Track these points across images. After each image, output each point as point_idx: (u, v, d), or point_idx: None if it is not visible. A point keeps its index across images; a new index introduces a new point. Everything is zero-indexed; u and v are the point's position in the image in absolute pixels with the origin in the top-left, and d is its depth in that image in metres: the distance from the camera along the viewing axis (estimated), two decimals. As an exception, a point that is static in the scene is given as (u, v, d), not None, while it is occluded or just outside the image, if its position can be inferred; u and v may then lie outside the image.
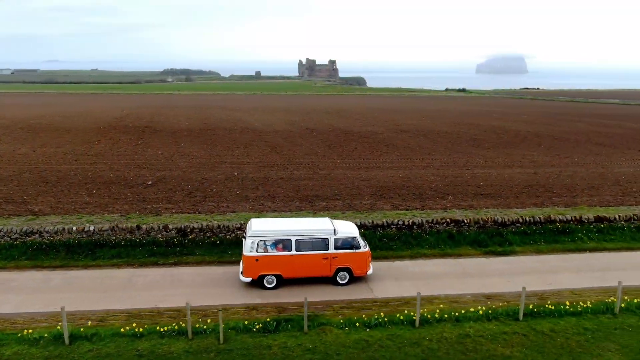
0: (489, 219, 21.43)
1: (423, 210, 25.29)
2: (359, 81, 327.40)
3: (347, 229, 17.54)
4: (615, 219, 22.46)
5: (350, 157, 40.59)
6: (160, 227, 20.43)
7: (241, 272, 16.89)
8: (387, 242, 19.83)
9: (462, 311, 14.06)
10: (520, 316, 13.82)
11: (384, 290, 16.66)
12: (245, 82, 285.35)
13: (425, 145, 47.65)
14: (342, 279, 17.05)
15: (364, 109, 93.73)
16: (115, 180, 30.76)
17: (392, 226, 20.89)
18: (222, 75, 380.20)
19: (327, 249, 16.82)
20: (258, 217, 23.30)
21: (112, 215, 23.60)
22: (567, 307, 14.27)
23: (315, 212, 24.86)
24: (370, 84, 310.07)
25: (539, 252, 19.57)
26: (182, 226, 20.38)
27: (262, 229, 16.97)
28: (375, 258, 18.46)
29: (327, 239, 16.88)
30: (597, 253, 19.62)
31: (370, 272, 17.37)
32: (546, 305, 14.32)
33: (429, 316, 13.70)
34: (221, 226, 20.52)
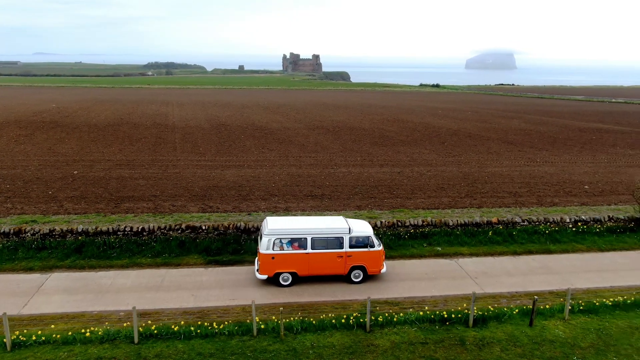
0: (230, 225, 20.09)
1: (235, 212, 24.07)
2: (343, 76, 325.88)
3: (362, 228, 17.55)
4: (376, 225, 21.10)
5: (227, 155, 39.32)
6: None
7: (257, 270, 16.90)
8: (106, 249, 18.51)
9: (70, 333, 12.65)
10: (136, 339, 12.49)
11: (56, 304, 15.02)
12: (227, 76, 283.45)
13: (322, 143, 46.38)
14: (356, 277, 17.21)
15: (310, 104, 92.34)
16: (-62, 179, 29.40)
17: (118, 232, 19.58)
18: (207, 69, 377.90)
19: (342, 248, 16.93)
20: (36, 220, 22.01)
21: None
22: (205, 327, 12.91)
23: (105, 214, 23.50)
24: (354, 78, 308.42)
25: (271, 261, 18.24)
26: None
27: (278, 227, 16.91)
28: (81, 268, 17.15)
29: (342, 237, 16.94)
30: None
31: (384, 270, 17.43)
32: (179, 326, 12.95)
33: (23, 338, 12.35)
34: None
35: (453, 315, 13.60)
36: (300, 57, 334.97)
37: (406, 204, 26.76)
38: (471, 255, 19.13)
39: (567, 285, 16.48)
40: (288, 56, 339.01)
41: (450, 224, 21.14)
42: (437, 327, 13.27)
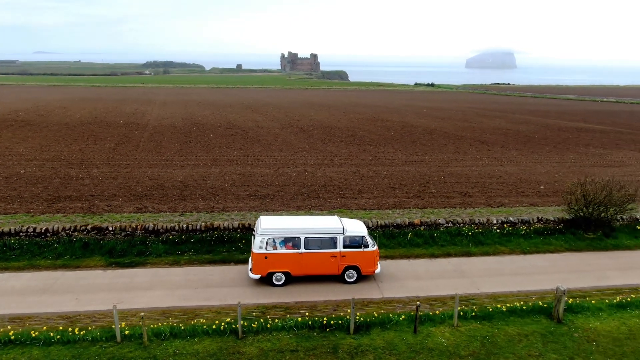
0: (138, 226, 19.55)
1: (169, 212, 23.56)
2: (341, 75, 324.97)
3: (356, 227, 17.34)
4: (227, 227, 20.10)
5: (187, 154, 38.78)
6: None
7: (250, 269, 16.77)
8: (6, 251, 17.94)
9: None
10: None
11: None
12: (224, 75, 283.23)
13: (290, 142, 45.83)
14: (350, 277, 16.99)
15: (295, 103, 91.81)
16: None
17: (21, 233, 19.02)
18: (206, 68, 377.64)
19: (336, 248, 16.75)
20: None
21: None
22: (67, 332, 12.39)
23: (34, 214, 23.00)
24: (352, 78, 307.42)
25: (175, 263, 17.63)
26: None
27: (271, 226, 16.73)
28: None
29: (336, 237, 16.77)
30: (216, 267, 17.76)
31: (378, 270, 17.19)
32: (40, 331, 12.36)
33: None
34: None
35: (332, 322, 13.03)
36: (299, 56, 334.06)
37: (349, 204, 26.22)
38: (386, 258, 18.52)
39: (474, 289, 15.90)
40: (286, 55, 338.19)
41: (370, 225, 20.54)
42: (315, 333, 12.70)
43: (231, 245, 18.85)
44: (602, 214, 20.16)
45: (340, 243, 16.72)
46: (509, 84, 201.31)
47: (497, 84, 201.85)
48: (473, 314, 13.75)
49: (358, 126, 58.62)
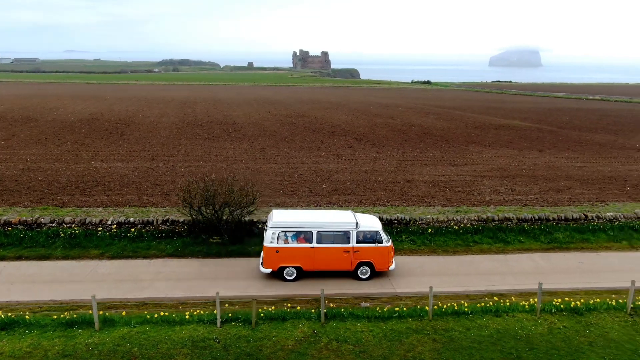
0: None
1: None
2: (352, 73, 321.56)
3: (370, 222, 17.17)
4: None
5: (24, 148, 37.80)
6: None
7: (261, 263, 16.59)
8: None
9: None
10: None
11: None
12: (231, 72, 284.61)
13: (150, 138, 44.33)
14: (363, 273, 16.80)
15: (241, 99, 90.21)
16: None
17: None
18: (221, 65, 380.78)
19: (349, 243, 16.52)
20: None
21: None
22: None
23: None
24: (364, 76, 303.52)
25: None
26: None
27: (283, 220, 16.54)
28: None
29: (349, 232, 16.54)
30: None
31: (392, 267, 16.95)
32: None
33: None
34: None
35: None
36: (310, 54, 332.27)
37: (72, 201, 24.40)
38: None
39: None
40: (298, 53, 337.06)
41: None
42: None
43: None
44: (226, 216, 17.67)
45: (353, 238, 16.36)
46: (510, 81, 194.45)
47: (499, 81, 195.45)
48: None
49: (259, 122, 56.44)
